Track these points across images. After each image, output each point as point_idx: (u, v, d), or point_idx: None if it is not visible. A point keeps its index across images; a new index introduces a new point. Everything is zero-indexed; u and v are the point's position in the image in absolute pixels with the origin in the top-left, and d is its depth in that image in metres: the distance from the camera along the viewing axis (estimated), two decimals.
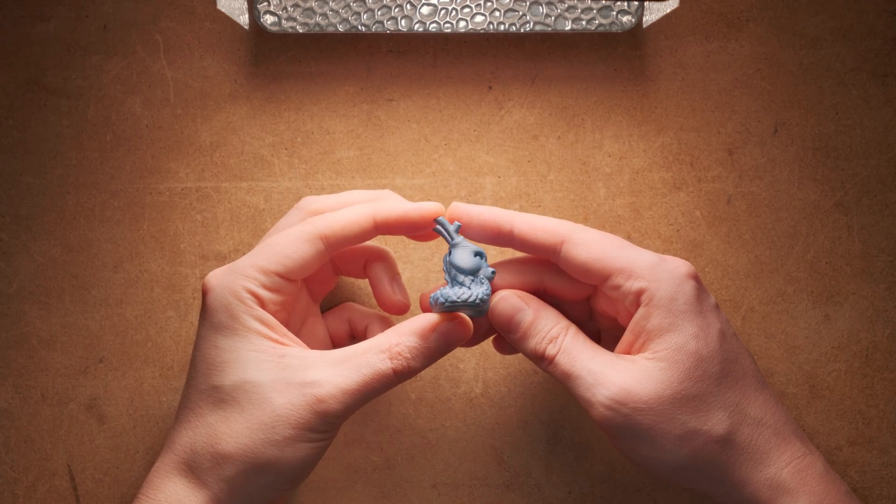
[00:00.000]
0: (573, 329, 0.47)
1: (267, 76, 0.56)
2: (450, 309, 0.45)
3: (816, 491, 0.46)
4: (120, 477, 0.55)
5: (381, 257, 0.51)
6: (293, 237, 0.46)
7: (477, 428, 0.56)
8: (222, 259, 0.56)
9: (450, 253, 0.46)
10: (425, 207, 0.48)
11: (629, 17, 0.55)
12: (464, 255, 0.46)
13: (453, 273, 0.46)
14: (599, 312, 0.50)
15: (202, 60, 0.56)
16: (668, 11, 0.55)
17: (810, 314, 0.56)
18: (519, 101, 0.56)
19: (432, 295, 0.45)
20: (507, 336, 0.48)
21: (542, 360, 0.47)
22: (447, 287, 0.45)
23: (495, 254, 0.55)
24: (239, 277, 0.46)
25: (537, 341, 0.47)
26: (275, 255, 0.46)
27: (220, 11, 0.56)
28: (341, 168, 0.56)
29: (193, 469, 0.45)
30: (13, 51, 0.56)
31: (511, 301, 0.47)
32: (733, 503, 0.46)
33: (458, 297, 0.44)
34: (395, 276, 0.51)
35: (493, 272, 0.46)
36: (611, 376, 0.45)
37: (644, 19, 0.55)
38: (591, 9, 0.55)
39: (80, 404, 0.55)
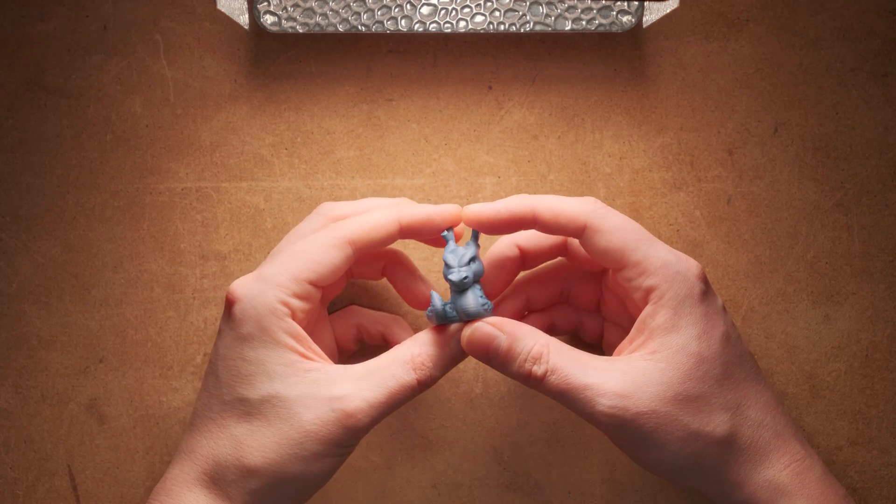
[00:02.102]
0: (554, 343, 0.46)
1: (267, 76, 0.56)
2: (440, 322, 0.47)
3: (815, 494, 0.46)
4: (120, 477, 0.55)
5: (399, 257, 0.52)
6: (322, 243, 0.46)
7: (477, 428, 0.56)
8: (222, 259, 0.56)
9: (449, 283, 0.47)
10: (448, 210, 0.48)
11: (629, 17, 0.55)
12: (469, 299, 0.46)
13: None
14: (610, 291, 0.50)
15: (202, 60, 0.56)
16: (668, 11, 0.55)
17: (810, 314, 0.56)
18: (519, 101, 0.56)
19: (427, 311, 0.47)
20: (490, 366, 0.46)
21: (530, 381, 0.45)
22: (437, 307, 0.47)
23: None
24: (271, 287, 0.45)
25: (519, 364, 0.45)
26: (305, 263, 0.46)
27: (220, 11, 0.56)
28: (341, 168, 0.56)
29: (217, 481, 0.45)
30: (13, 51, 0.56)
31: (482, 331, 0.46)
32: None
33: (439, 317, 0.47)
34: (414, 271, 0.51)
35: (480, 270, 0.47)
36: (607, 384, 0.44)
37: (644, 19, 0.55)
38: (591, 9, 0.55)
39: (80, 404, 0.55)
